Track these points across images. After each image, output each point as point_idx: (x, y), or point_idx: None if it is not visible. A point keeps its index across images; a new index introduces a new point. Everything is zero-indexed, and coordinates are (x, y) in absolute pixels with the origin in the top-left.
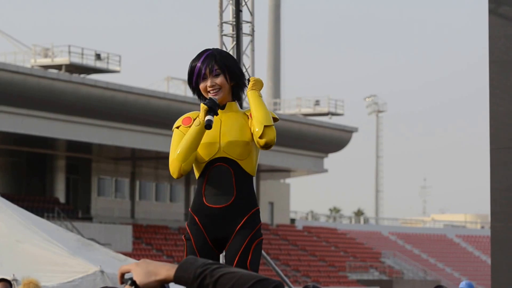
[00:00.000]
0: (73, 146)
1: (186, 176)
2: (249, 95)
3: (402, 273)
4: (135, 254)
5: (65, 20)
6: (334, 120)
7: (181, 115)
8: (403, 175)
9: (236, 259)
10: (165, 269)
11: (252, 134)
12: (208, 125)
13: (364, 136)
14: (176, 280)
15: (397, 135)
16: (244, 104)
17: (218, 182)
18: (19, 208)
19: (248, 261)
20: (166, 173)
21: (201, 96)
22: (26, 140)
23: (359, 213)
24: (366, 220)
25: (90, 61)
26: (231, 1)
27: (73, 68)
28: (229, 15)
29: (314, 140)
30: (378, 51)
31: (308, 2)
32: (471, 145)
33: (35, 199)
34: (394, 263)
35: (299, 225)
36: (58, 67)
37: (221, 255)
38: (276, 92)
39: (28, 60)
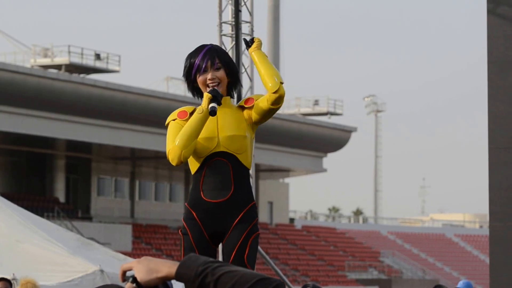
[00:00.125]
0: (73, 145)
1: (186, 175)
2: (256, 54)
3: (401, 273)
4: (135, 253)
5: (65, 20)
6: (333, 120)
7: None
8: (402, 174)
9: (233, 253)
10: (166, 266)
11: (247, 128)
12: (213, 111)
13: (363, 136)
14: (178, 277)
15: (396, 135)
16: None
17: (216, 176)
18: (19, 208)
19: (245, 255)
20: (165, 173)
21: (196, 91)
22: (26, 140)
23: (358, 213)
24: (365, 220)
25: (90, 61)
26: (230, 1)
27: (72, 68)
28: (228, 15)
29: (313, 140)
30: (377, 51)
31: (307, 2)
32: (470, 145)
33: (35, 199)
34: (393, 263)
35: (298, 225)
36: (58, 67)
37: (220, 250)
38: None
39: (28, 60)
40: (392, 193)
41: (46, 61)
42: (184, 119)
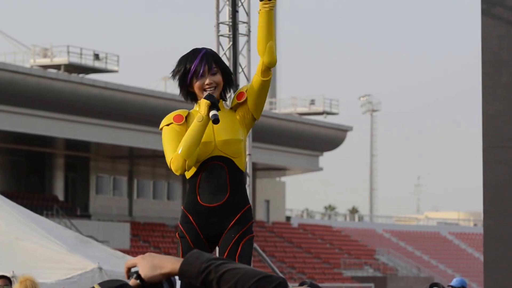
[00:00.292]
0: (72, 144)
1: (183, 174)
2: (265, 15)
3: (396, 270)
4: (133, 251)
5: (64, 20)
6: (329, 119)
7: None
8: (397, 173)
9: (226, 253)
10: (170, 263)
11: (242, 131)
12: (216, 120)
13: (359, 135)
14: (181, 274)
15: (391, 134)
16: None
17: (212, 180)
18: (18, 206)
19: (237, 254)
20: (163, 171)
21: (189, 95)
22: (25, 139)
23: (353, 211)
24: (360, 218)
25: (89, 61)
26: (227, 2)
27: (72, 68)
28: (225, 15)
29: (309, 139)
30: (373, 51)
31: (303, 2)
32: (464, 144)
33: (34, 197)
34: (388, 260)
35: (294, 223)
36: (57, 67)
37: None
38: (272, 91)
39: (28, 60)
40: (388, 192)
41: (46, 61)
42: (180, 123)
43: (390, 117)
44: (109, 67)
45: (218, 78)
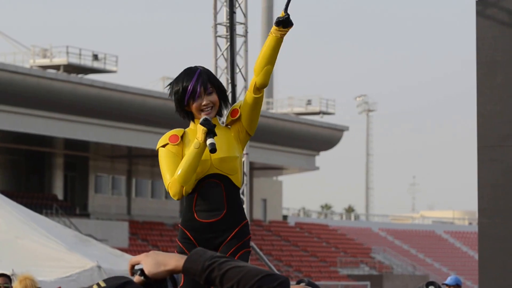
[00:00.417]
0: (71, 144)
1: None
2: (276, 40)
3: (392, 268)
4: (131, 249)
5: (63, 21)
6: (326, 119)
7: (175, 113)
8: (393, 172)
9: None
10: (174, 260)
11: (237, 148)
12: (213, 150)
13: (355, 134)
14: (185, 271)
15: (387, 134)
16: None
17: (208, 197)
18: (18, 205)
19: None
20: None
21: (187, 115)
22: (25, 139)
23: (349, 210)
24: (356, 217)
25: (88, 62)
26: (225, 3)
27: (71, 68)
28: (223, 16)
29: (306, 139)
30: (369, 52)
31: (299, 3)
32: (459, 143)
33: (33, 196)
34: (384, 259)
35: (291, 222)
36: (57, 67)
37: None
38: (269, 91)
39: (27, 60)
40: (383, 191)
41: (45, 61)
42: (176, 143)
43: (386, 117)
44: (108, 67)
45: (214, 97)
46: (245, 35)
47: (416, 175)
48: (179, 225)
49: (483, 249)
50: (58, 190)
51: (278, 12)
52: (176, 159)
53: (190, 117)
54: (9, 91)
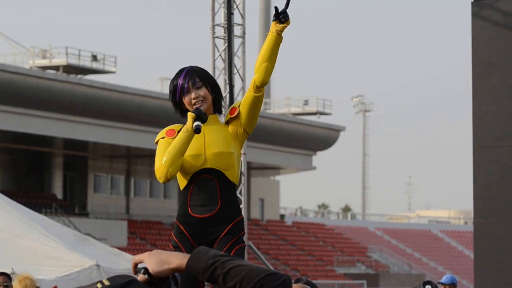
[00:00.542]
0: (70, 144)
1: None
2: (274, 39)
3: (388, 267)
4: (130, 248)
5: (63, 22)
6: (322, 119)
7: (175, 114)
8: (389, 172)
9: None
10: (177, 258)
11: (234, 144)
12: (198, 129)
13: (351, 134)
14: (188, 269)
15: (383, 134)
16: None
17: (203, 193)
18: (18, 204)
19: None
20: None
21: (183, 112)
22: (24, 139)
23: (346, 209)
24: (353, 216)
25: (87, 62)
26: (223, 4)
27: (70, 69)
28: (221, 17)
29: (303, 139)
30: (365, 52)
31: (296, 4)
32: (455, 143)
33: (33, 196)
34: (380, 258)
35: (288, 221)
36: (56, 68)
37: None
38: (266, 92)
39: (27, 61)
40: (380, 190)
41: (45, 62)
42: (172, 137)
43: (382, 118)
44: (107, 68)
45: (204, 91)
46: (243, 36)
47: (412, 175)
48: (175, 219)
49: (479, 248)
50: (58, 190)
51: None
52: None
53: (187, 114)
54: (9, 91)
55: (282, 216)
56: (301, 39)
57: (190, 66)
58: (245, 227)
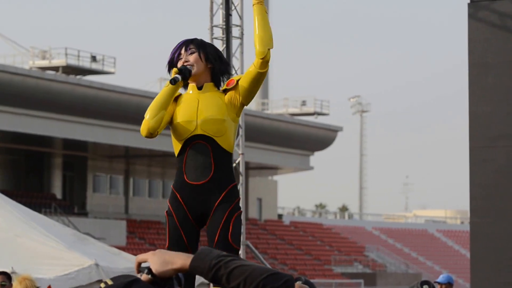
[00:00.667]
0: (70, 144)
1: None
2: (255, 9)
3: (385, 267)
4: (129, 248)
5: (62, 23)
6: (320, 119)
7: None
8: (386, 172)
9: (218, 233)
10: (181, 259)
11: (227, 112)
12: (173, 80)
13: (349, 135)
14: (192, 269)
15: (381, 134)
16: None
17: (197, 159)
18: (17, 204)
19: (229, 234)
20: (158, 170)
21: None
22: (24, 139)
23: (343, 209)
24: (350, 216)
25: (86, 63)
26: (221, 6)
27: (69, 69)
28: (219, 18)
29: (301, 139)
30: (362, 53)
31: (294, 6)
32: (451, 143)
33: (33, 195)
34: (377, 257)
35: (286, 221)
36: (55, 68)
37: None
38: (264, 92)
39: (27, 62)
40: (377, 190)
41: (44, 63)
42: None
43: (379, 118)
44: (106, 68)
45: (194, 57)
46: (241, 37)
47: (409, 175)
48: (171, 186)
49: (475, 247)
50: (57, 190)
51: (273, 15)
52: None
53: (186, 84)
54: (9, 92)
55: (280, 216)
56: (299, 40)
57: (188, 38)
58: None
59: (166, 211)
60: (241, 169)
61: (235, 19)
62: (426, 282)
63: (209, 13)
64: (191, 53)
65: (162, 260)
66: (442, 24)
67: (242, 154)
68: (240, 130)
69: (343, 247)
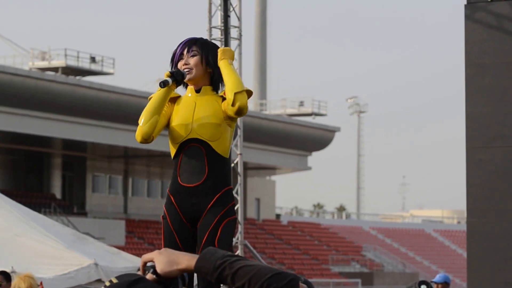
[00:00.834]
0: (69, 144)
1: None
2: (220, 65)
3: (382, 266)
4: (128, 247)
5: (62, 24)
6: (318, 120)
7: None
8: (383, 172)
9: (205, 236)
10: (186, 259)
11: (224, 116)
12: (162, 83)
13: (346, 135)
14: (197, 270)
15: (378, 135)
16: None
17: (191, 162)
18: (17, 204)
19: (217, 238)
20: (157, 170)
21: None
22: (24, 139)
23: (341, 209)
24: (348, 216)
25: (85, 64)
26: (219, 7)
27: (69, 70)
28: (217, 20)
29: (299, 139)
30: (360, 54)
31: (292, 7)
32: (448, 144)
33: (32, 195)
34: (374, 257)
35: (284, 220)
36: (55, 69)
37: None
38: (263, 93)
39: (26, 62)
40: (374, 190)
41: (44, 64)
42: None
43: (376, 118)
44: (105, 69)
45: (195, 60)
46: (239, 38)
47: (406, 175)
48: (167, 190)
49: (472, 247)
50: (57, 190)
51: (272, 15)
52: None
53: (185, 85)
54: (9, 92)
55: (278, 216)
56: (297, 41)
57: (196, 37)
58: (242, 227)
59: (162, 216)
60: (239, 169)
61: (233, 21)
62: (424, 282)
63: (208, 14)
64: (193, 56)
65: (167, 260)
66: (439, 25)
67: (240, 154)
68: (238, 131)
69: (340, 247)
